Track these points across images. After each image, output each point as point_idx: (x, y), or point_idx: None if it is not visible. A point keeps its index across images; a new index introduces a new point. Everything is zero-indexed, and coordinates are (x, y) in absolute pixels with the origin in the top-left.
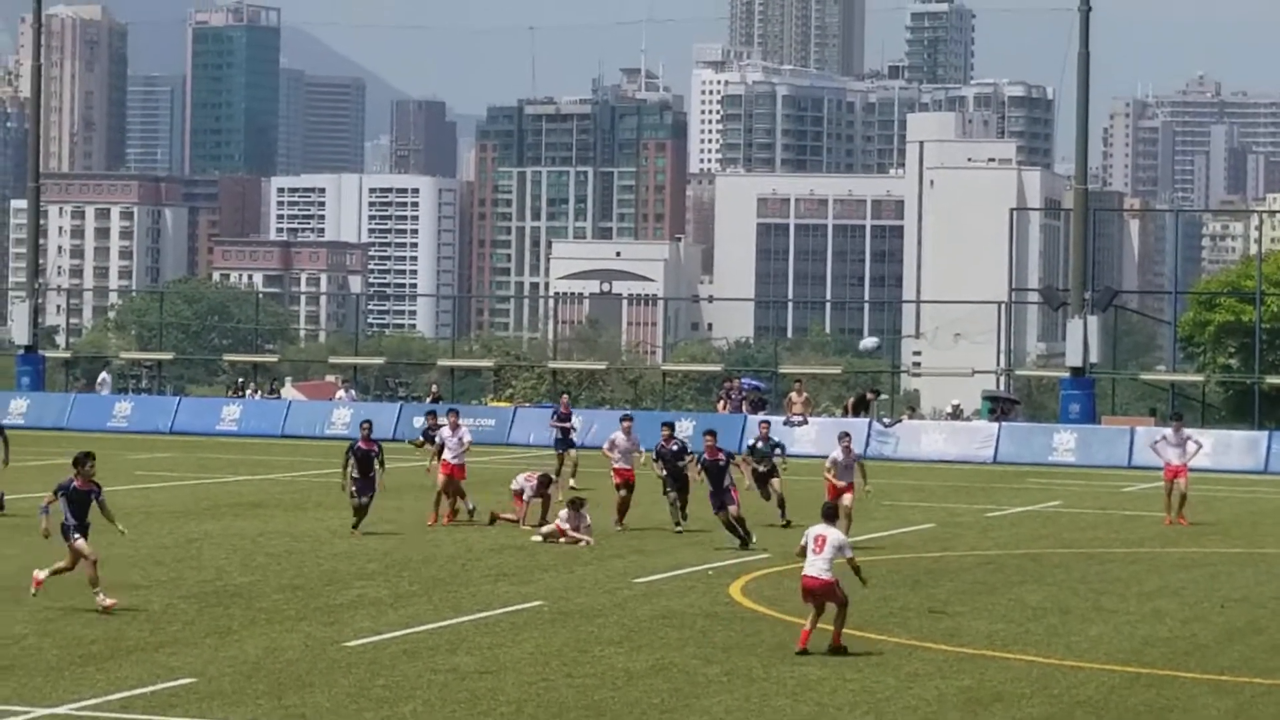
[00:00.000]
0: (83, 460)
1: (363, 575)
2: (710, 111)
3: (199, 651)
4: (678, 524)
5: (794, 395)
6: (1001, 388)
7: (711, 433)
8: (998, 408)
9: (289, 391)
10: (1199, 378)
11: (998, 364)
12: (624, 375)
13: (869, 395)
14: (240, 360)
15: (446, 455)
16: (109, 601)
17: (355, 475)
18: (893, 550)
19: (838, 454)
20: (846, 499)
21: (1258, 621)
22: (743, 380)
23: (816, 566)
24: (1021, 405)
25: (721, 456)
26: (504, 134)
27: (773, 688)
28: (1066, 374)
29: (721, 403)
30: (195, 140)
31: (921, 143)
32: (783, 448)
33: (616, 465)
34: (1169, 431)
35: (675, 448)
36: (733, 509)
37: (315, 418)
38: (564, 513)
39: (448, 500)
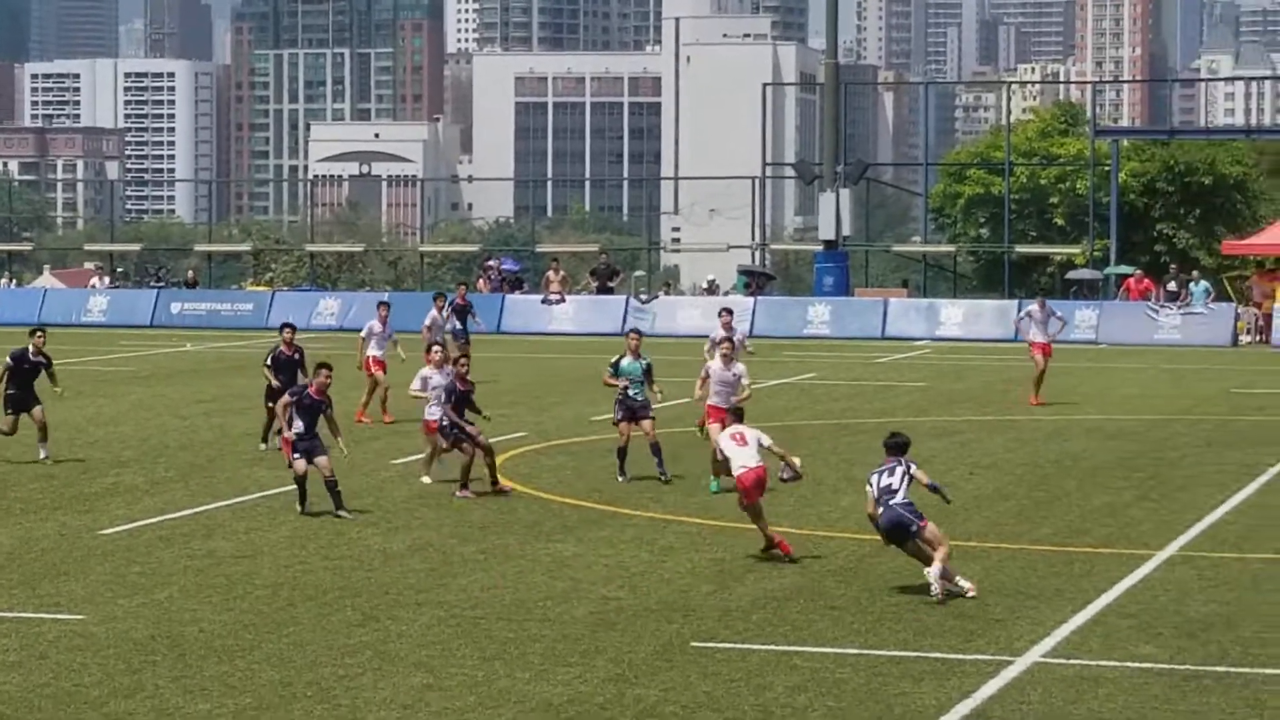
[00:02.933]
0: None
1: (119, 463)
2: None
3: None
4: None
5: (551, 274)
6: (757, 262)
7: None
8: (753, 282)
9: (46, 279)
10: (950, 248)
11: (753, 238)
12: (384, 257)
13: (601, 265)
14: None
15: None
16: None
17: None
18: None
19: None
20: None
21: (1004, 488)
22: (503, 261)
23: (745, 455)
24: (777, 279)
25: None
26: (259, 16)
27: (528, 564)
28: (820, 247)
29: (481, 282)
30: None
31: (677, 19)
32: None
33: (371, 354)
34: (1034, 308)
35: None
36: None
37: (71, 305)
38: None
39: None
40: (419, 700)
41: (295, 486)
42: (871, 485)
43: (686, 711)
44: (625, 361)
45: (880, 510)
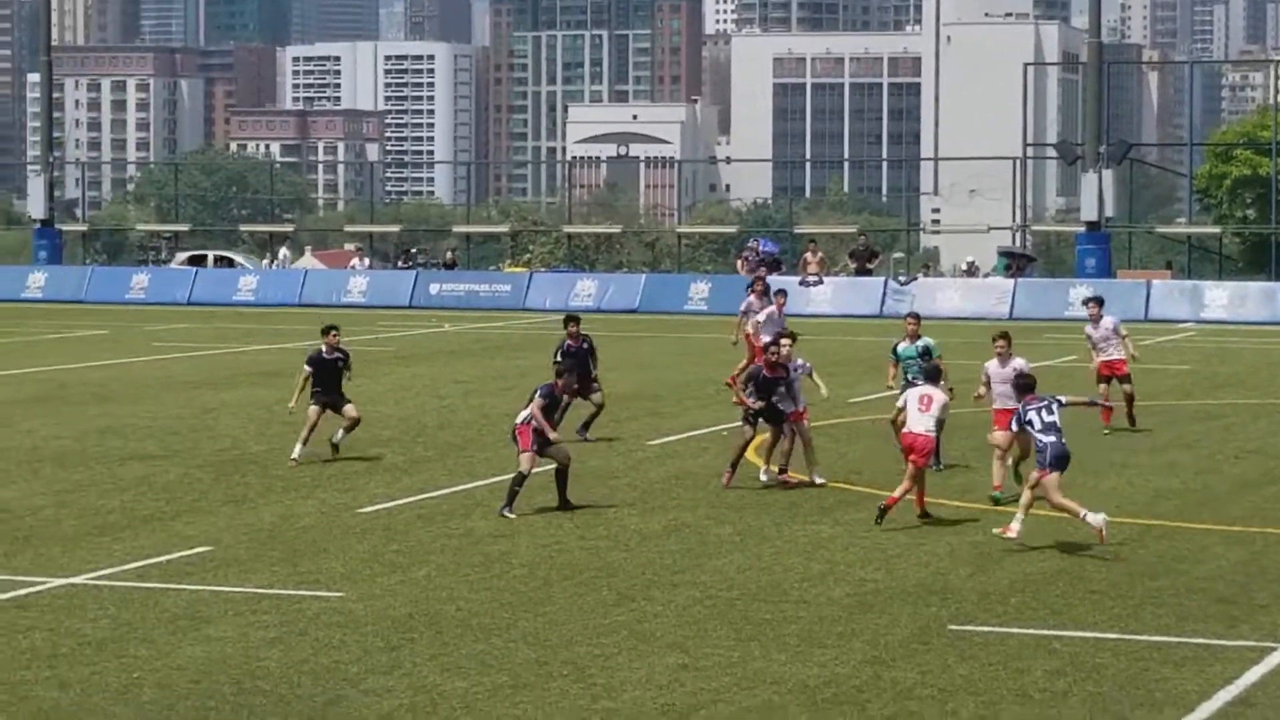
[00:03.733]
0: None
1: (378, 442)
2: None
3: (214, 520)
4: None
5: (809, 255)
6: (1017, 244)
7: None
8: (1013, 264)
9: (308, 260)
10: (1216, 230)
11: (1013, 220)
12: (641, 238)
13: (860, 247)
14: (258, 230)
15: None
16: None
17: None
18: None
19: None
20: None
21: (1272, 472)
22: (761, 241)
23: (922, 424)
24: (1038, 261)
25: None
26: None
27: (785, 546)
28: (1082, 229)
29: (740, 264)
30: (210, 10)
31: None
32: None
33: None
34: None
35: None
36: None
37: (331, 286)
38: None
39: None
40: (674, 680)
41: (541, 469)
42: (1034, 423)
43: (944, 695)
44: (902, 346)
45: (1051, 441)
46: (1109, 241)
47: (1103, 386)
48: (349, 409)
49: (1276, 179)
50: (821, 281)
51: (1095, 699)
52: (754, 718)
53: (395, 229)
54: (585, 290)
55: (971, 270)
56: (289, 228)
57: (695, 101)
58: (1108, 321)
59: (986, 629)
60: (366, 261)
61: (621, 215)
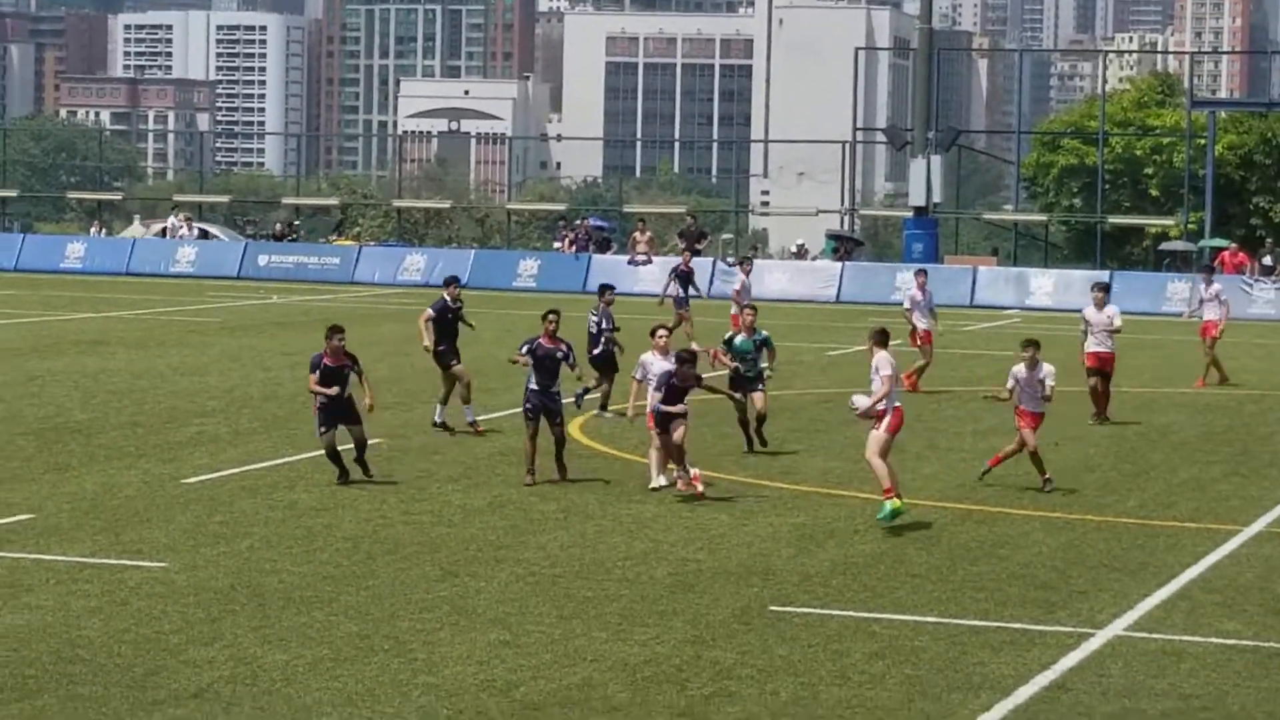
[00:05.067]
0: None
1: (202, 413)
2: None
3: (37, 488)
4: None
5: (637, 234)
6: (845, 227)
7: None
8: (841, 247)
9: (135, 230)
10: (1042, 218)
11: (842, 203)
12: (471, 214)
13: (689, 227)
14: (86, 197)
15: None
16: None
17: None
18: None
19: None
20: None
21: (1091, 460)
22: (590, 219)
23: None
24: (866, 245)
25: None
26: None
27: (609, 524)
28: (910, 214)
29: (566, 242)
30: None
31: None
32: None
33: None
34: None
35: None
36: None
37: (160, 256)
38: None
39: None
40: (495, 656)
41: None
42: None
43: (763, 675)
44: (739, 339)
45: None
46: (936, 227)
47: (1093, 380)
48: (459, 368)
49: (1102, 168)
50: (650, 261)
51: (913, 681)
52: (574, 694)
53: (225, 199)
54: (414, 265)
55: (800, 253)
56: (117, 195)
57: (528, 78)
58: (1110, 310)
59: (807, 610)
60: (196, 229)
61: (451, 191)
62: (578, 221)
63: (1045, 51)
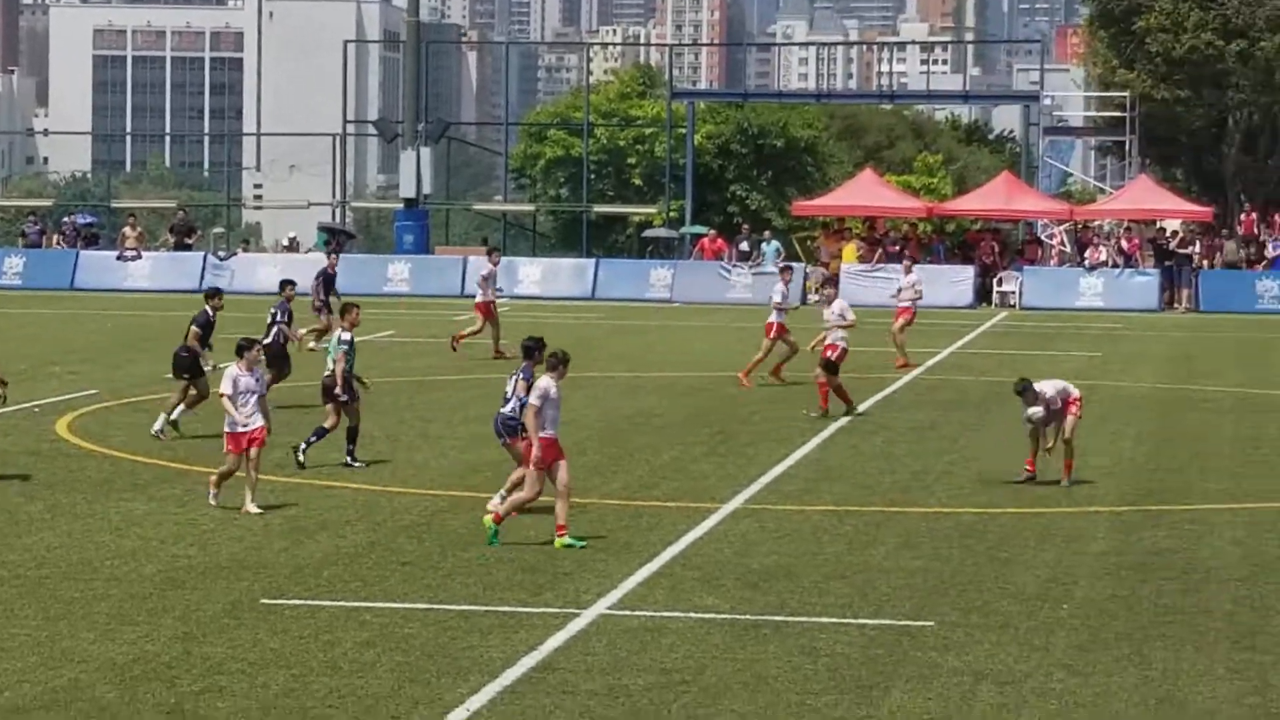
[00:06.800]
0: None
1: None
2: None
3: None
4: None
5: (128, 230)
6: (337, 219)
7: None
8: (333, 239)
9: None
10: (530, 207)
11: (334, 196)
12: None
13: (179, 221)
14: None
15: None
16: None
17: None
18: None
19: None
20: None
21: (579, 444)
22: (78, 215)
23: None
24: (358, 237)
25: None
26: None
27: (97, 523)
28: (400, 205)
29: (56, 238)
30: None
31: None
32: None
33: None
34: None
35: None
36: None
37: None
38: None
39: None
40: None
41: None
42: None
43: (254, 668)
44: (346, 334)
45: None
46: (427, 218)
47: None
48: None
49: (587, 159)
50: (140, 256)
51: (403, 668)
52: (60, 696)
53: None
54: None
55: (292, 246)
56: None
57: (12, 72)
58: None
59: (299, 602)
60: None
61: None
62: (64, 219)
63: (532, 44)
